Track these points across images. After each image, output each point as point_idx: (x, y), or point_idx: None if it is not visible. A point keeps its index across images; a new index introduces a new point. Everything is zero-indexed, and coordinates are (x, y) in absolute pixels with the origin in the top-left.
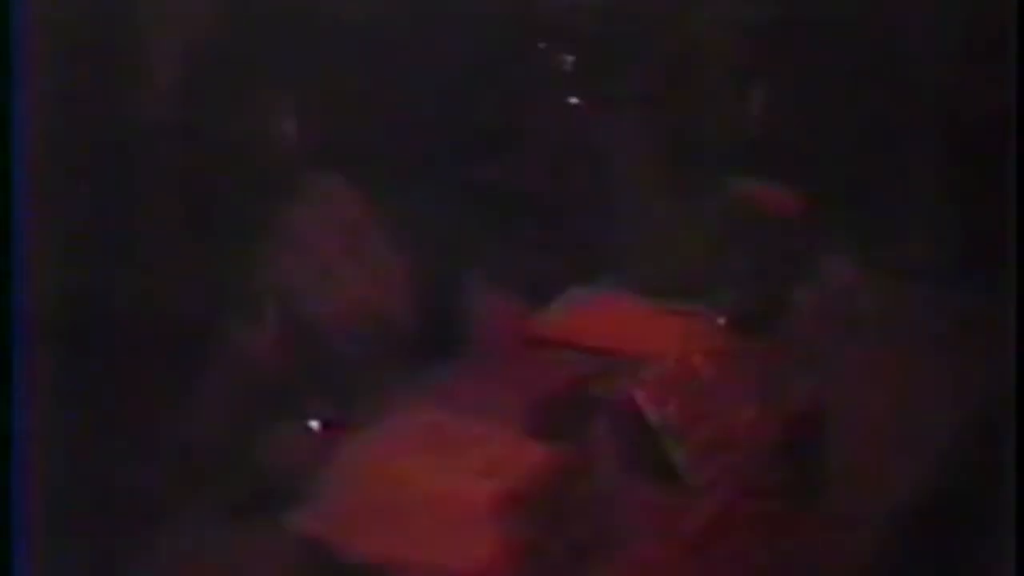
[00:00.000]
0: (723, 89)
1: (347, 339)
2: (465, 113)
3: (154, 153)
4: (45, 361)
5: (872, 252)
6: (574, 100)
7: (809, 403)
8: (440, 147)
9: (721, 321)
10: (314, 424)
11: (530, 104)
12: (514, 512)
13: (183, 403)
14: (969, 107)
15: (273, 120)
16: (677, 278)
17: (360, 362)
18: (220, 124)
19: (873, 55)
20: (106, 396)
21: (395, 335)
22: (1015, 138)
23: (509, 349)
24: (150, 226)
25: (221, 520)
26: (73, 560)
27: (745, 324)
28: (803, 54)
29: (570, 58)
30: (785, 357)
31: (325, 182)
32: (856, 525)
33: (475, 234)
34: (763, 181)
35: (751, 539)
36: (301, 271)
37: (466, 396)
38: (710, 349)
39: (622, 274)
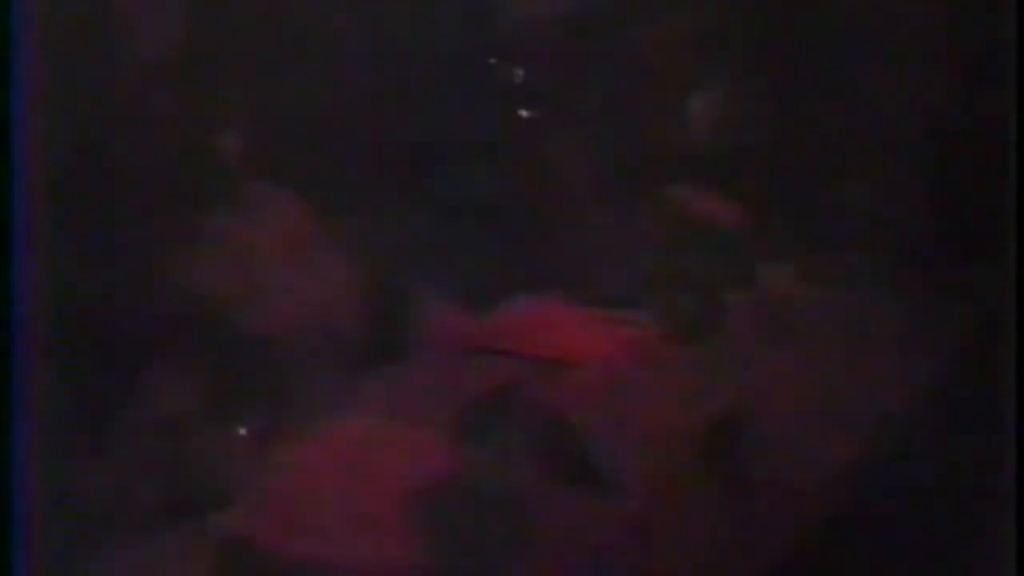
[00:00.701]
0: (668, 98)
1: (287, 346)
2: (414, 125)
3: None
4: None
5: (810, 260)
6: (524, 113)
7: (736, 406)
8: (388, 158)
9: (656, 327)
10: (243, 431)
11: (479, 116)
12: (430, 514)
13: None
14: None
15: (219, 131)
16: (619, 286)
17: (299, 369)
18: (169, 133)
19: (821, 61)
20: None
21: (337, 343)
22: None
23: (448, 356)
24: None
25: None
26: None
27: (681, 330)
28: (748, 61)
29: (520, 71)
30: (718, 362)
31: (270, 192)
32: (786, 525)
33: (421, 243)
34: (704, 189)
35: (674, 541)
36: (243, 279)
37: (402, 402)
38: (640, 354)
39: (565, 283)
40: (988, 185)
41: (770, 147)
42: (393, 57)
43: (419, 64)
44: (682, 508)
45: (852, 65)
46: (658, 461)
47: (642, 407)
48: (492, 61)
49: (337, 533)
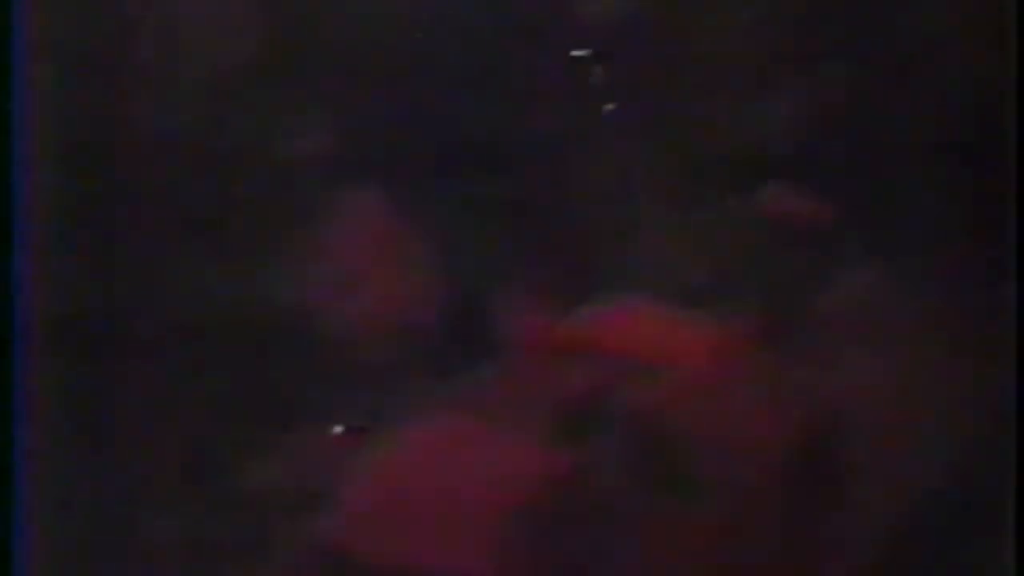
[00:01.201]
0: (750, 97)
1: (375, 347)
2: (498, 125)
3: (165, 161)
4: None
5: (896, 262)
6: (609, 106)
7: (826, 413)
8: (472, 158)
9: (743, 329)
10: (338, 429)
11: (560, 116)
12: (521, 519)
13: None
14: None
15: (304, 133)
16: (703, 287)
17: (388, 369)
18: (249, 135)
19: (896, 59)
20: (112, 398)
21: (424, 343)
22: None
23: (535, 356)
24: (160, 232)
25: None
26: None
27: (767, 333)
28: (830, 59)
29: (599, 69)
30: (805, 366)
31: (356, 194)
32: (869, 534)
33: (505, 243)
34: (790, 189)
35: (761, 550)
36: (329, 280)
37: (490, 402)
38: (729, 358)
39: (651, 282)
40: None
41: (856, 146)
42: (475, 55)
43: (503, 62)
44: (770, 515)
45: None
46: (747, 467)
47: (731, 411)
48: (575, 54)
49: (424, 540)
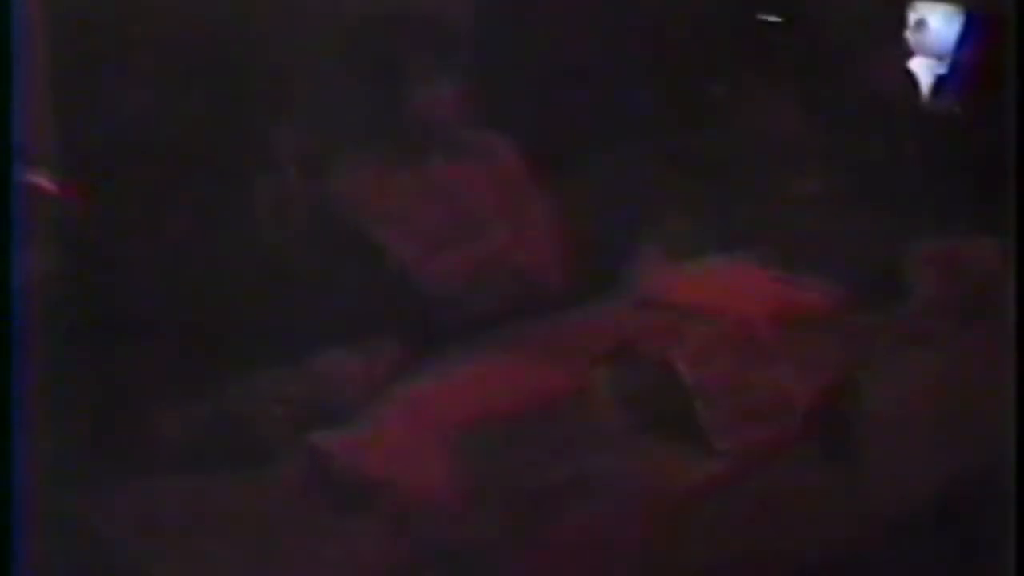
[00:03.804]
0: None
1: (471, 288)
2: (642, 85)
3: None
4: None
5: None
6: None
7: (855, 385)
8: (607, 114)
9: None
10: None
11: (707, 80)
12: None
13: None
14: None
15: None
16: (816, 254)
17: (475, 311)
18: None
19: None
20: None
21: (523, 293)
22: None
23: (612, 307)
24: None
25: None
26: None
27: (864, 300)
28: None
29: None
30: (894, 335)
31: (488, 140)
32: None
33: (633, 201)
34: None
35: (750, 510)
36: (446, 220)
37: (544, 345)
38: (784, 316)
39: (765, 245)
40: None
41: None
42: (631, 15)
43: (659, 23)
44: (775, 478)
45: None
46: (763, 428)
47: (760, 369)
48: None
49: (408, 458)
